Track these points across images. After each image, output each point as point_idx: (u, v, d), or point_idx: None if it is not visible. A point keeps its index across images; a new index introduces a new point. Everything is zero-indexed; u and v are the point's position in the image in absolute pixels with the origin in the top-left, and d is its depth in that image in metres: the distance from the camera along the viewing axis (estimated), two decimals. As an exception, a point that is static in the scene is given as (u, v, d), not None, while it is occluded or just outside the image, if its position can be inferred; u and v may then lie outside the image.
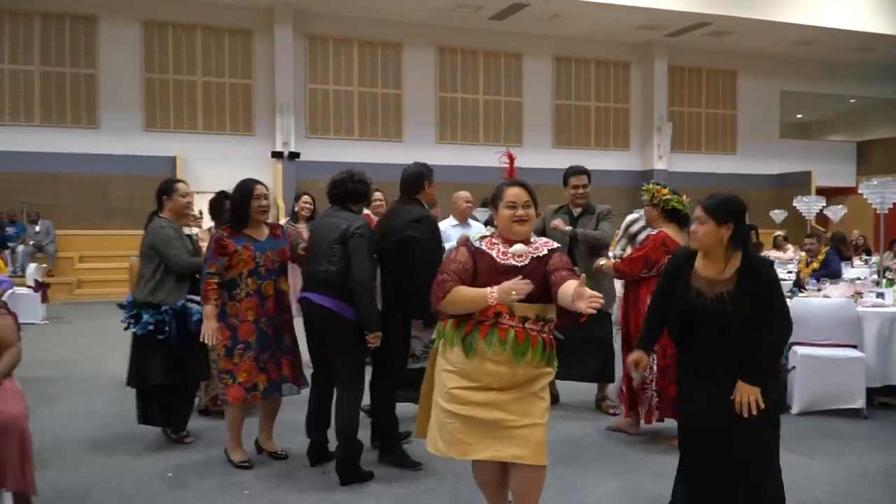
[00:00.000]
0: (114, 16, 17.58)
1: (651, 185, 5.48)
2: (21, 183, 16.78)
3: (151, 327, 5.02)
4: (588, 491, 4.38)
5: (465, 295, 3.34)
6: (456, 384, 3.39)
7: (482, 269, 3.43)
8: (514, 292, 3.18)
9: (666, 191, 5.41)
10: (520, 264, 3.41)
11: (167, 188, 5.37)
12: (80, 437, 5.42)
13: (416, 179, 4.95)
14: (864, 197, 7.77)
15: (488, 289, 3.27)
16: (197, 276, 5.10)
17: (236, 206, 4.80)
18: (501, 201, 3.54)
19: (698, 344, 3.51)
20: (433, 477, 4.57)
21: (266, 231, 4.89)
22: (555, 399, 6.35)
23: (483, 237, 3.62)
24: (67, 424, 5.76)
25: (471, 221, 7.49)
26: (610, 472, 4.69)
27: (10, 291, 8.45)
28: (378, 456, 4.86)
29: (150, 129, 17.92)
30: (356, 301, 4.49)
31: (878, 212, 7.74)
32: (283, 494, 4.29)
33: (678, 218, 5.41)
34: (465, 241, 3.62)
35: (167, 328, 5.04)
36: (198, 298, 5.05)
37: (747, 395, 3.35)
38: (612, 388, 6.25)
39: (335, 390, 4.70)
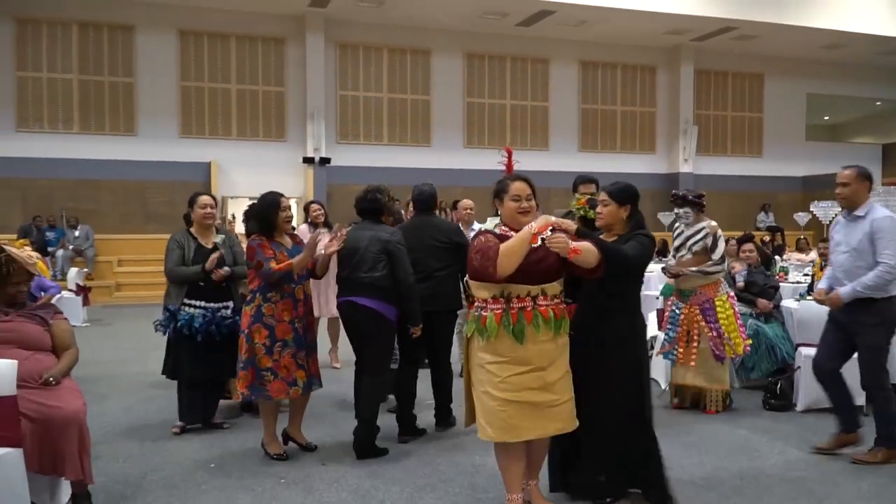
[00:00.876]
0: (151, 25, 18.10)
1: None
2: (61, 189, 17.37)
3: (159, 327, 5.70)
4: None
5: (511, 244, 3.77)
6: (510, 372, 3.82)
7: None
8: (552, 219, 3.80)
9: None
10: (537, 244, 3.78)
11: (191, 201, 5.94)
12: (128, 432, 5.84)
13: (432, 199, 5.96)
14: (814, 213, 8.03)
15: (526, 226, 3.77)
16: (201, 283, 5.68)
17: (265, 217, 5.24)
18: (507, 194, 4.00)
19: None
20: (453, 468, 4.94)
21: (289, 240, 5.34)
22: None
23: (496, 226, 4.13)
24: (116, 420, 6.20)
25: (474, 226, 7.98)
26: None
27: (58, 296, 8.95)
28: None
29: (186, 135, 18.43)
30: (405, 300, 5.27)
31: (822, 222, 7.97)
32: (316, 483, 4.68)
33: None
34: (480, 231, 4.11)
35: (166, 328, 5.67)
36: (197, 303, 5.64)
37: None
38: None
39: (364, 378, 5.31)
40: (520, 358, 3.82)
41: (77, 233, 16.71)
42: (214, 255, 5.65)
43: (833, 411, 5.45)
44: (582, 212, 5.68)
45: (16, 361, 3.85)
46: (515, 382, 3.81)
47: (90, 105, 17.82)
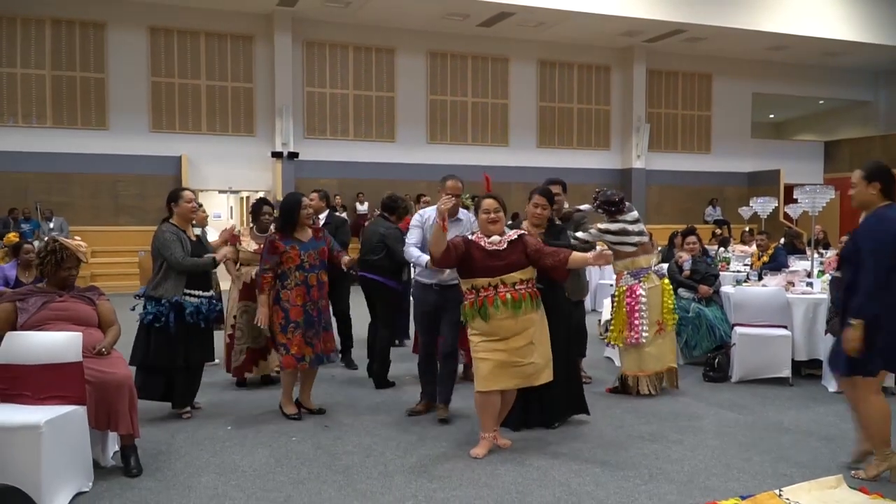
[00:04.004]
0: (122, 22, 18.60)
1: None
2: (34, 182, 17.84)
3: (151, 317, 5.93)
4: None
5: (433, 237, 5.13)
6: (481, 339, 5.13)
7: (475, 255, 5.12)
8: (441, 206, 5.09)
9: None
10: (501, 248, 5.15)
11: (174, 196, 6.17)
12: (150, 405, 6.43)
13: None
14: (798, 200, 8.98)
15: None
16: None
17: (287, 215, 6.00)
18: (480, 209, 5.32)
19: None
20: (437, 427, 5.77)
21: (310, 233, 6.11)
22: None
23: (472, 233, 5.33)
24: None
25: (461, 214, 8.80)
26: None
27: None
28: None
29: (157, 130, 18.95)
30: (399, 265, 7.31)
31: (809, 214, 8.96)
32: (323, 440, 5.48)
33: None
34: (459, 235, 5.40)
35: (164, 318, 5.83)
36: (196, 293, 5.99)
37: None
38: (584, 362, 7.40)
39: (378, 328, 7.41)
40: (487, 331, 5.09)
41: (52, 225, 17.17)
42: (228, 249, 6.38)
43: None
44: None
45: (80, 334, 4.59)
46: (485, 347, 5.11)
47: (63, 100, 18.27)
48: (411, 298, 6.48)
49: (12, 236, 10.19)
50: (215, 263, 6.21)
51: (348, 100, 20.58)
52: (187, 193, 6.23)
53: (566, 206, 6.89)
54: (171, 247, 5.91)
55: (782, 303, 7.53)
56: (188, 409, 6.21)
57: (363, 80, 20.70)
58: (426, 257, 5.73)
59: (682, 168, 23.77)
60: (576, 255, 5.20)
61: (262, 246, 7.06)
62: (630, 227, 6.71)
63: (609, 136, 23.39)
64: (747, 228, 18.06)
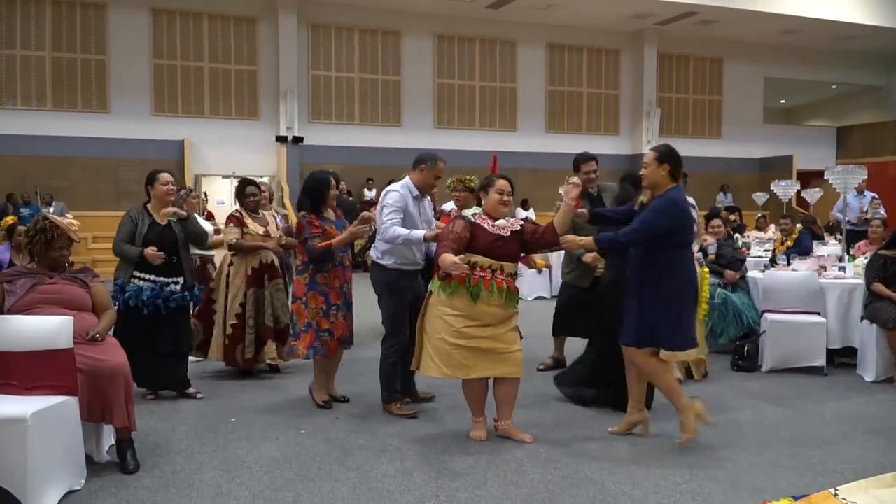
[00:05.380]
0: (123, 3, 18.19)
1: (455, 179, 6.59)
2: (34, 166, 17.42)
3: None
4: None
5: (441, 261, 4.57)
6: (464, 324, 4.73)
7: (479, 236, 4.78)
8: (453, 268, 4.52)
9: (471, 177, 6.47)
10: (505, 234, 4.82)
11: (150, 178, 5.99)
12: (138, 394, 6.11)
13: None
14: (829, 182, 8.59)
15: (449, 260, 4.50)
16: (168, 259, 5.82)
17: (315, 194, 5.68)
18: (492, 188, 4.90)
19: None
20: (456, 422, 5.39)
21: (333, 213, 5.81)
22: (560, 364, 7.17)
23: (474, 213, 4.93)
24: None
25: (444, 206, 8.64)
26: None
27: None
28: None
29: (159, 113, 18.57)
30: None
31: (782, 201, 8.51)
32: (333, 433, 5.10)
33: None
34: (456, 217, 4.95)
35: (116, 301, 5.67)
36: (147, 276, 5.75)
37: None
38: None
39: None
40: (472, 314, 4.73)
41: (52, 209, 16.79)
42: (154, 253, 5.74)
43: None
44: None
45: (71, 318, 4.22)
46: (467, 332, 4.73)
47: (63, 82, 17.88)
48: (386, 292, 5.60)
49: (10, 219, 9.83)
50: (140, 258, 5.76)
51: (354, 83, 20.17)
52: (164, 175, 6.00)
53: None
54: (119, 228, 5.83)
55: (815, 288, 7.15)
56: (153, 392, 6.04)
57: (369, 63, 20.30)
58: (419, 232, 5.29)
59: (693, 154, 23.17)
60: (557, 216, 4.98)
61: (267, 230, 6.77)
62: None
63: (619, 121, 22.99)
64: (760, 214, 17.69)
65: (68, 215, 5.21)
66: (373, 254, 5.70)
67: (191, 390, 6.12)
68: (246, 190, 6.96)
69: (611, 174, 21.40)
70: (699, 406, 4.86)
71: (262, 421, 5.42)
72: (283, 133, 19.08)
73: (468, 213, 5.01)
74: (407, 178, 5.52)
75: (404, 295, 5.51)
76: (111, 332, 4.78)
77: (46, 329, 4.12)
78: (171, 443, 4.90)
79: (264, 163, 19.35)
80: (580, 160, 6.84)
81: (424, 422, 5.39)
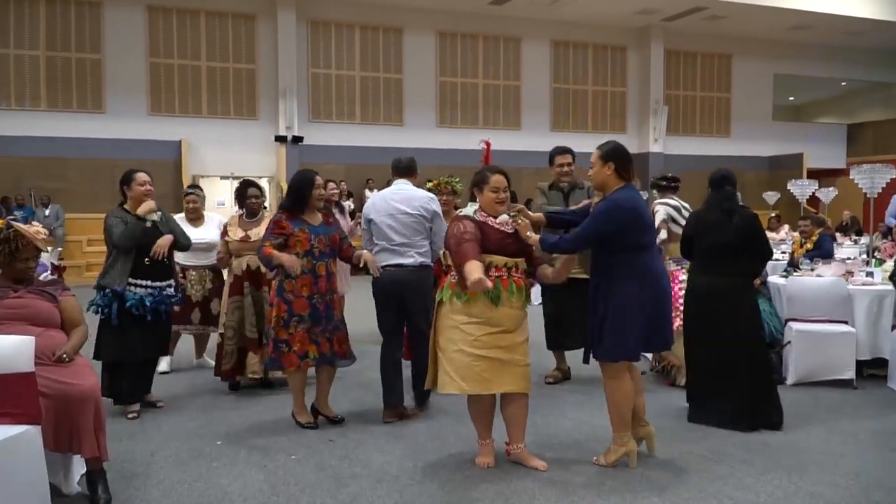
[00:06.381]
0: (118, 1, 17.82)
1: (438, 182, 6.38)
2: (28, 167, 17.08)
3: (97, 307, 5.51)
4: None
5: (470, 270, 4.08)
6: (483, 332, 4.30)
7: (489, 234, 4.35)
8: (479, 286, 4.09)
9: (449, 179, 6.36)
10: (509, 230, 4.40)
11: (126, 178, 5.73)
12: (119, 409, 5.68)
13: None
14: (855, 181, 8.16)
15: (483, 278, 4.04)
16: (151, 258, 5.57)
17: (297, 193, 5.25)
18: (487, 185, 4.45)
19: None
20: (461, 441, 4.97)
21: (320, 217, 5.34)
22: (567, 375, 6.78)
23: (475, 211, 4.52)
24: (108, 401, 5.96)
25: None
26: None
27: (45, 275, 8.81)
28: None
29: (156, 113, 18.22)
30: None
31: (867, 195, 8.15)
32: (327, 458, 4.67)
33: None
34: (461, 217, 4.49)
35: (108, 310, 5.45)
36: (143, 283, 5.53)
37: None
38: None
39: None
40: (492, 319, 4.31)
41: (48, 212, 16.44)
42: (165, 240, 5.61)
43: None
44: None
45: (33, 337, 3.79)
46: (488, 341, 4.30)
47: (57, 82, 17.55)
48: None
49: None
50: (140, 219, 5.58)
51: (355, 81, 19.78)
52: (141, 175, 5.74)
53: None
54: (112, 230, 5.53)
55: (843, 295, 6.71)
56: (136, 407, 5.67)
57: (370, 60, 19.90)
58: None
59: (701, 152, 22.86)
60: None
61: (247, 234, 6.38)
62: (685, 209, 6.61)
63: (625, 119, 22.58)
64: (773, 214, 17.25)
65: (36, 224, 4.77)
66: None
67: (152, 398, 5.90)
68: (248, 192, 6.61)
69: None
70: (634, 447, 4.51)
71: (250, 444, 4.99)
72: (282, 133, 18.71)
73: (468, 210, 4.61)
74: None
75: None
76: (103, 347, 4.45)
77: (4, 349, 3.69)
78: (149, 471, 4.47)
79: (263, 163, 18.98)
80: (554, 153, 6.72)
81: (426, 444, 4.96)
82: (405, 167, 5.75)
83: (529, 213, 4.68)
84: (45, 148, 17.17)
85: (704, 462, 4.61)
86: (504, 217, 4.42)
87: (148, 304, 5.52)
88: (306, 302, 5.16)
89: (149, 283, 5.58)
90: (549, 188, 6.75)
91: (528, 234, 4.40)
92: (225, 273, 6.75)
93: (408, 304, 5.45)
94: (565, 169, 6.64)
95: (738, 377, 5.29)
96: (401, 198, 5.56)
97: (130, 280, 5.53)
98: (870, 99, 26.67)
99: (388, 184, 5.87)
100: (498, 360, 4.30)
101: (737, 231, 5.35)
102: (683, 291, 5.98)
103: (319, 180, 5.34)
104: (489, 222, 4.40)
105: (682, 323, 5.94)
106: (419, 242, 5.48)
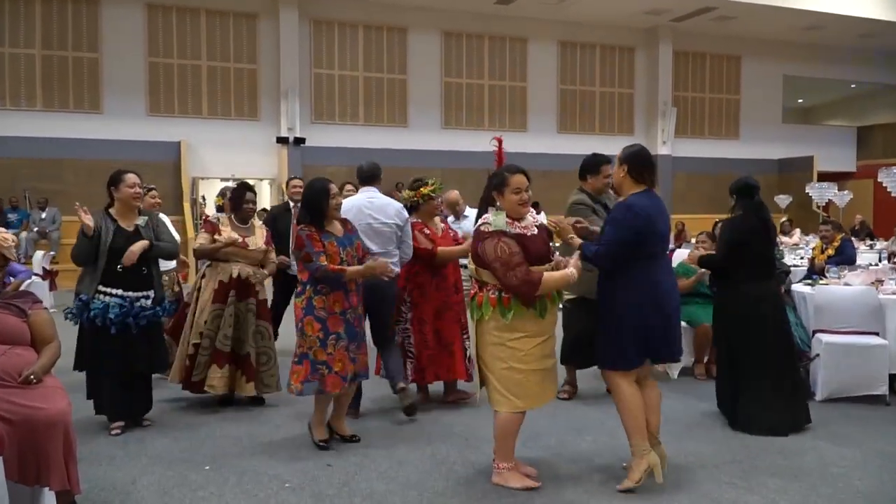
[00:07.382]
0: (117, -2, 17.47)
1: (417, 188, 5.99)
2: (24, 168, 16.71)
3: (70, 315, 5.24)
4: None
5: (553, 281, 4.05)
6: (532, 345, 4.11)
7: (528, 246, 4.04)
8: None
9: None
10: (535, 233, 4.14)
11: (115, 179, 5.44)
12: (102, 428, 5.33)
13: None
14: (884, 185, 7.78)
15: (569, 269, 4.07)
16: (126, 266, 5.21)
17: (314, 205, 4.90)
18: (508, 187, 4.11)
19: None
20: (469, 469, 4.58)
21: (339, 226, 5.02)
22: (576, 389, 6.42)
23: (506, 223, 4.11)
24: (89, 416, 5.47)
25: (467, 213, 8.42)
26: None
27: (28, 282, 8.45)
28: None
29: (155, 113, 17.81)
30: None
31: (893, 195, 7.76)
32: (324, 487, 4.28)
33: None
34: (495, 233, 4.08)
35: (78, 318, 5.21)
36: (114, 291, 5.18)
37: None
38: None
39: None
40: (539, 330, 4.14)
41: (44, 214, 16.09)
42: (137, 246, 5.23)
43: None
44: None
45: (-7, 358, 3.42)
46: (536, 352, 4.13)
47: (54, 81, 17.12)
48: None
49: (-19, 227, 9.06)
50: (87, 235, 5.19)
51: (358, 82, 19.37)
52: (130, 177, 5.43)
53: None
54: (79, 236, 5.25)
55: (874, 305, 6.29)
56: (119, 424, 5.33)
57: (374, 61, 19.49)
58: None
59: (710, 154, 22.52)
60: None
61: (244, 238, 5.99)
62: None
63: (633, 121, 22.16)
64: (785, 218, 16.86)
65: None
66: None
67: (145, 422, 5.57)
68: (245, 196, 6.19)
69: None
70: (656, 459, 4.21)
71: (241, 469, 4.59)
72: (284, 134, 18.31)
73: (498, 223, 4.14)
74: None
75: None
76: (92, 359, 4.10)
77: (-39, 372, 3.32)
78: (127, 501, 4.07)
79: (265, 165, 18.62)
80: (601, 162, 5.97)
81: (432, 471, 4.56)
82: (369, 174, 5.79)
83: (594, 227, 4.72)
84: (41, 149, 16.76)
85: (734, 489, 4.21)
86: (529, 219, 4.17)
87: (112, 315, 5.13)
88: (339, 319, 4.86)
89: (120, 291, 5.21)
90: (593, 201, 5.94)
91: (570, 237, 4.41)
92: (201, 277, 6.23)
93: (380, 311, 5.63)
94: (610, 181, 5.78)
95: (785, 378, 5.41)
96: (375, 207, 5.63)
97: (101, 288, 5.19)
98: (880, 101, 26.28)
99: (397, 185, 5.86)
100: (547, 371, 4.25)
101: (771, 240, 5.50)
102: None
103: (334, 188, 4.99)
104: (522, 231, 4.09)
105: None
106: (392, 252, 5.59)
